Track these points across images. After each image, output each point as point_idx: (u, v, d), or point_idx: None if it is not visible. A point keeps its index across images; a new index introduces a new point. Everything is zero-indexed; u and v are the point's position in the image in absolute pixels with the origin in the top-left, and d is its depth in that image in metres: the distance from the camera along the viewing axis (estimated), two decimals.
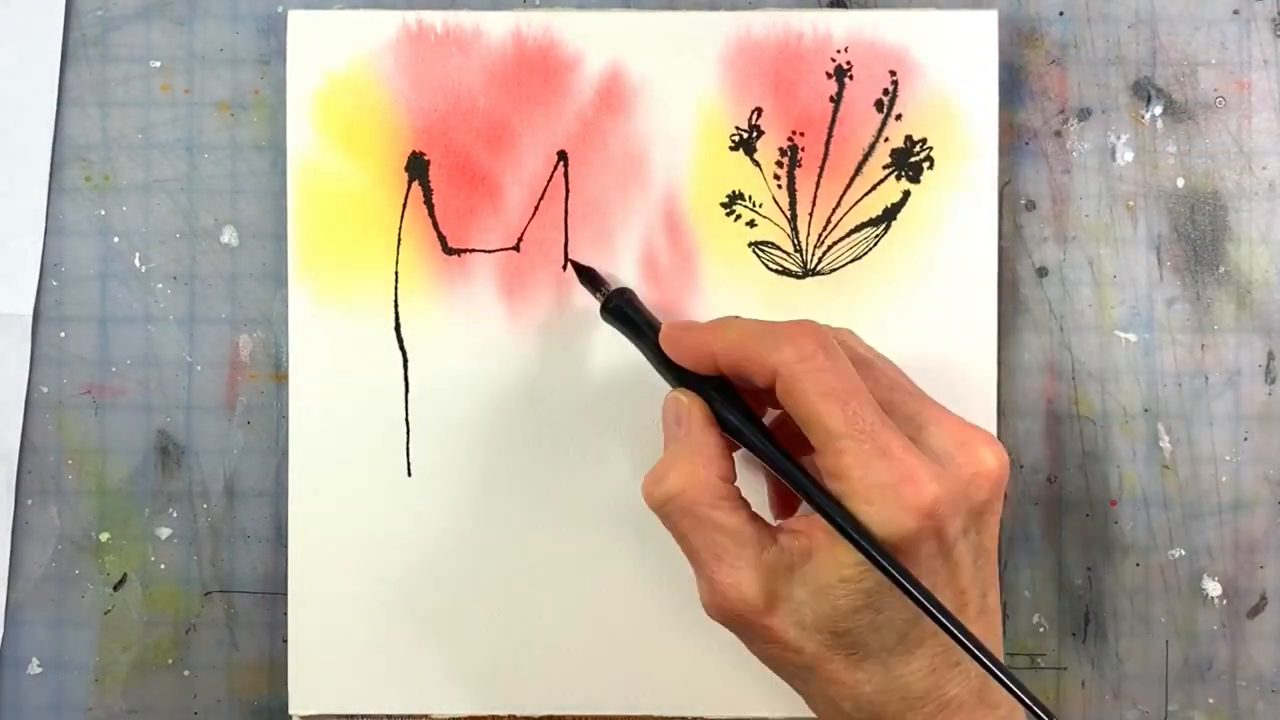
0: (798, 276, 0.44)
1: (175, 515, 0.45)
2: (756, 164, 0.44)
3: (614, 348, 0.44)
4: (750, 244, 0.44)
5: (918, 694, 0.36)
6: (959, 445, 0.36)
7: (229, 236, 0.45)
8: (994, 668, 0.33)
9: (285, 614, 0.45)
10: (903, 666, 0.36)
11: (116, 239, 0.45)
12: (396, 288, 0.44)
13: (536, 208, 0.44)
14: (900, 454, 0.34)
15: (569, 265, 0.44)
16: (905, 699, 0.36)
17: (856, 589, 0.35)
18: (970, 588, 0.36)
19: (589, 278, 0.43)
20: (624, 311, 0.41)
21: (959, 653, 0.35)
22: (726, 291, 0.44)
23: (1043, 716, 0.33)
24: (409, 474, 0.44)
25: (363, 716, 0.44)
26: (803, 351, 0.35)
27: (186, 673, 0.45)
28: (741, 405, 0.38)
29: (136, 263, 0.45)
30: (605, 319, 0.42)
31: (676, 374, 0.39)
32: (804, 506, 0.39)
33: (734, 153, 0.44)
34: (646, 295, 0.44)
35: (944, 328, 0.44)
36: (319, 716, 0.44)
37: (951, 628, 0.33)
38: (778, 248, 0.44)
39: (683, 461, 0.37)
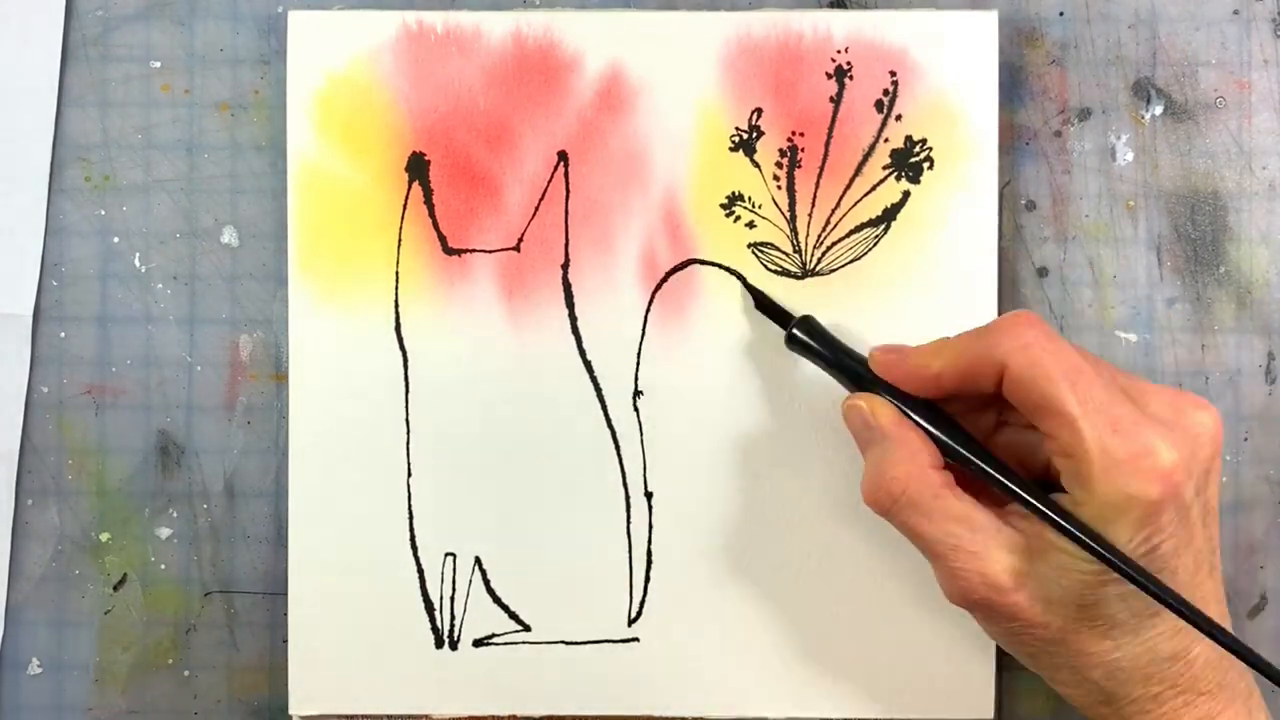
0: (797, 277, 0.44)
1: (175, 515, 0.45)
2: (756, 164, 0.44)
3: (615, 347, 0.44)
4: (750, 245, 0.44)
5: (1166, 655, 0.37)
6: (1176, 411, 0.36)
7: (229, 236, 0.45)
8: (1226, 642, 0.34)
9: (285, 614, 0.45)
10: (1150, 630, 0.36)
11: (116, 239, 0.45)
12: (397, 288, 0.44)
13: (537, 208, 0.44)
14: (1134, 427, 0.35)
15: (751, 294, 0.44)
16: (1154, 660, 0.37)
17: (1100, 564, 0.35)
18: (1204, 547, 0.37)
19: (769, 307, 0.43)
20: (816, 337, 0.41)
21: (1200, 609, 0.36)
22: (726, 292, 0.44)
23: (1273, 678, 0.34)
24: (409, 474, 0.44)
25: (363, 716, 0.44)
26: (1026, 339, 0.36)
27: (186, 673, 0.45)
28: (953, 421, 0.38)
29: (136, 263, 0.45)
30: (791, 348, 0.42)
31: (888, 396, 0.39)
32: None
33: (734, 153, 0.44)
34: (646, 295, 0.44)
35: (944, 328, 0.44)
36: (319, 716, 0.44)
37: (1184, 610, 0.34)
38: (777, 248, 0.44)
39: (894, 460, 0.38)
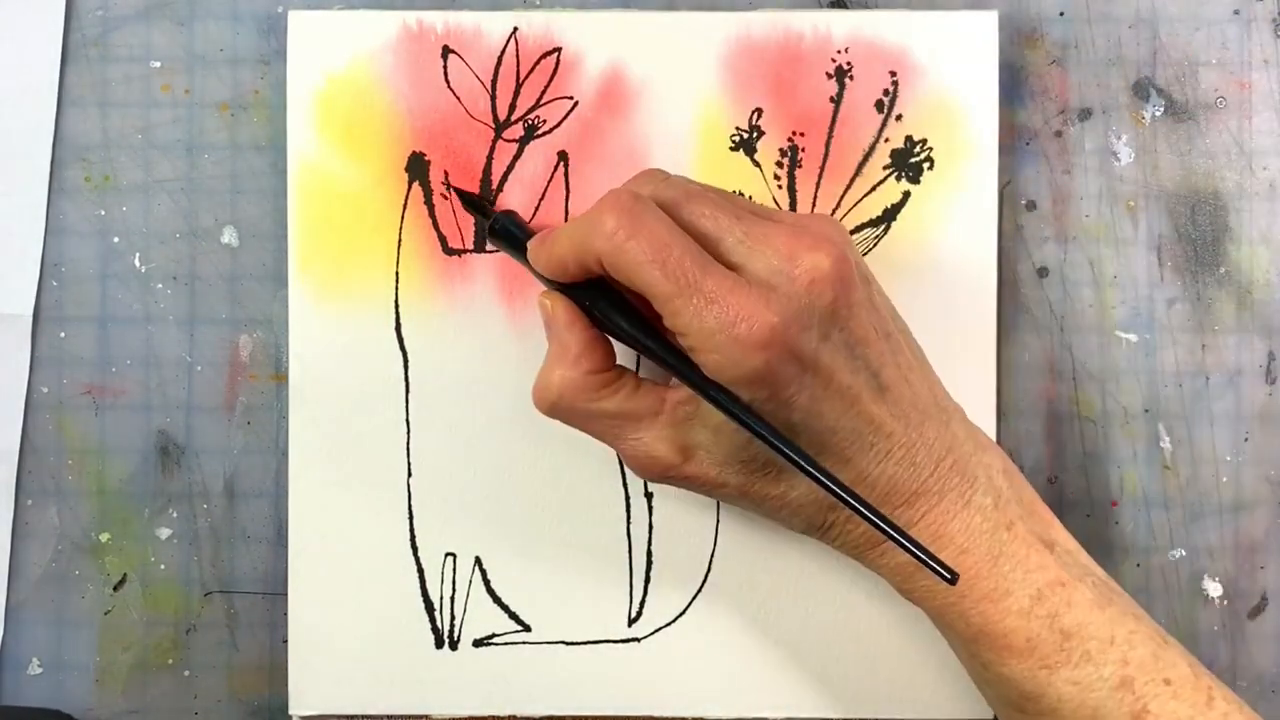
0: None
1: (175, 515, 0.45)
2: (757, 164, 0.44)
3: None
4: None
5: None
6: (788, 259, 0.36)
7: (229, 237, 0.45)
8: (850, 498, 0.35)
9: (285, 614, 0.45)
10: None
11: (116, 239, 0.45)
12: (397, 288, 0.44)
13: (537, 208, 0.44)
14: (728, 295, 0.35)
15: (450, 189, 0.44)
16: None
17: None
18: (855, 379, 0.37)
19: (473, 203, 0.44)
20: (509, 231, 0.42)
21: (868, 435, 0.37)
22: None
23: (916, 555, 0.35)
24: (409, 474, 0.44)
25: (363, 716, 0.44)
26: (607, 230, 0.36)
27: (186, 673, 0.45)
28: (612, 298, 0.39)
29: (136, 263, 0.45)
30: (492, 241, 0.43)
31: (556, 285, 0.40)
32: None
33: (734, 153, 0.44)
34: None
35: (944, 328, 0.44)
36: (319, 716, 0.44)
37: (814, 471, 0.36)
38: None
39: (554, 367, 0.39)
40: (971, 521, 0.38)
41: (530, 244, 0.40)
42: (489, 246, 0.44)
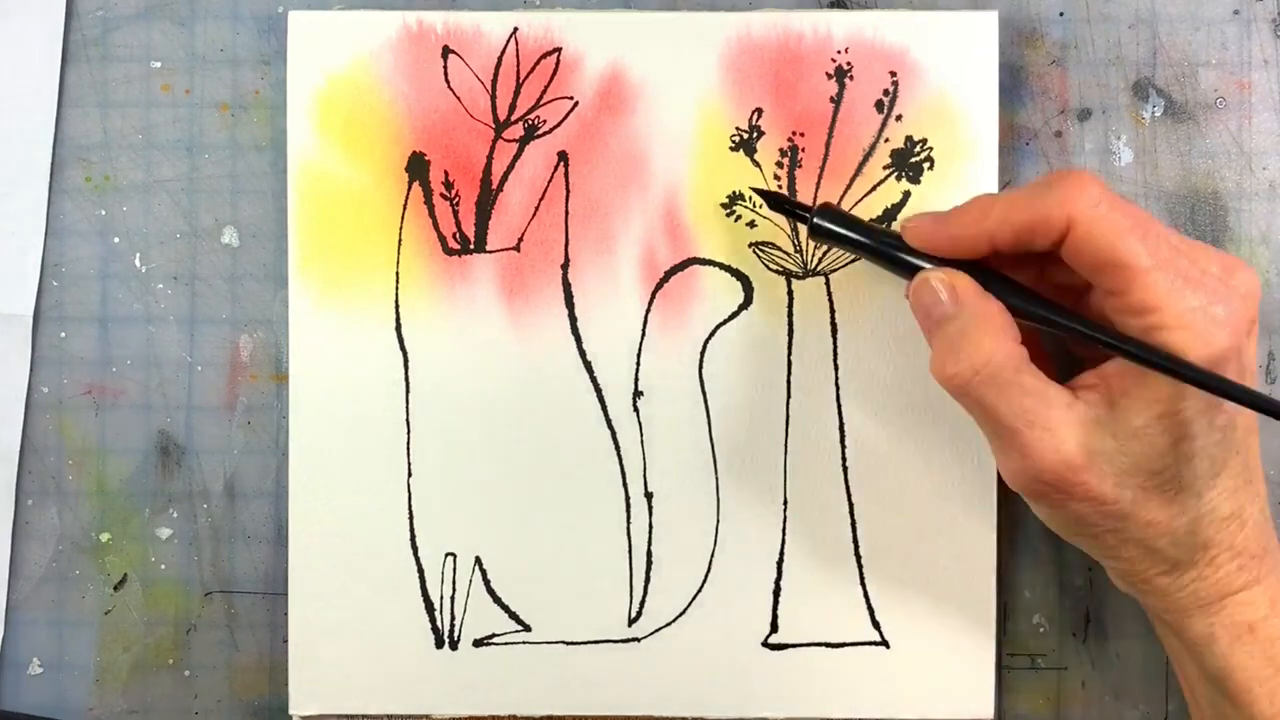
0: (798, 277, 0.44)
1: (175, 515, 0.45)
2: (757, 164, 0.44)
3: (615, 347, 0.44)
4: (750, 244, 0.44)
5: (1225, 515, 0.37)
6: (1223, 269, 0.36)
7: (229, 237, 0.45)
8: None
9: (285, 614, 0.45)
10: (1211, 491, 0.37)
11: (117, 239, 0.45)
12: (397, 288, 0.44)
13: (537, 208, 0.44)
14: (1202, 277, 0.35)
15: (763, 197, 0.43)
16: (1214, 521, 0.37)
17: (1173, 422, 0.36)
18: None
19: (781, 203, 0.42)
20: (841, 221, 0.40)
21: (1251, 471, 0.38)
22: (726, 291, 0.44)
23: None
24: (409, 474, 0.44)
25: (363, 716, 0.44)
26: (1093, 195, 0.36)
27: (187, 673, 0.45)
28: (1010, 278, 0.38)
29: (137, 263, 0.45)
30: (816, 239, 0.41)
31: (915, 268, 0.39)
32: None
33: (734, 153, 0.44)
34: (646, 295, 0.44)
35: None
36: (319, 716, 0.44)
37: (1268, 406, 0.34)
38: (778, 248, 0.44)
39: (975, 333, 0.37)
40: None
41: (914, 220, 0.39)
42: (489, 246, 0.44)
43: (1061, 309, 0.38)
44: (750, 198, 0.44)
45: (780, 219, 0.44)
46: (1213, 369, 0.35)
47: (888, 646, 0.44)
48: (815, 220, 0.40)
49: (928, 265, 0.39)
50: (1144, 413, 0.36)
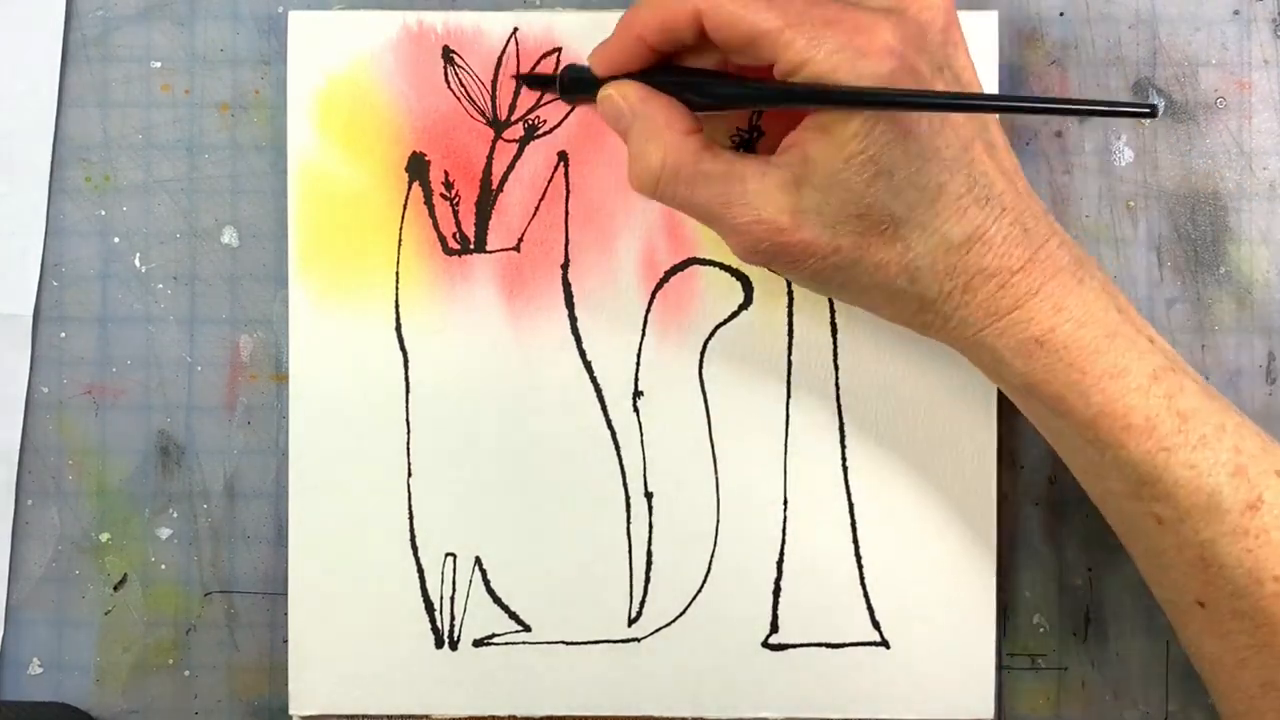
0: None
1: (175, 515, 0.45)
2: None
3: (615, 347, 0.44)
4: None
5: (959, 240, 0.36)
6: (896, 2, 0.36)
7: (229, 237, 0.45)
8: (1030, 103, 0.35)
9: (285, 614, 0.45)
10: (934, 220, 0.36)
11: (117, 239, 0.45)
12: (397, 288, 0.44)
13: (537, 208, 0.44)
14: (841, 14, 0.35)
15: (517, 78, 0.44)
16: (950, 249, 0.36)
17: (865, 159, 0.35)
18: (967, 123, 0.36)
19: (535, 80, 0.43)
20: (576, 78, 0.40)
21: (984, 187, 0.36)
22: (727, 291, 0.44)
23: (1132, 110, 0.34)
24: (409, 474, 0.44)
25: (363, 716, 0.44)
26: None
27: (186, 673, 0.45)
28: (686, 69, 0.38)
29: (137, 263, 0.45)
30: (566, 99, 0.41)
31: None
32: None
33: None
34: (646, 295, 0.44)
35: None
36: (319, 716, 0.44)
37: (965, 102, 0.34)
38: None
39: (647, 139, 0.37)
40: (1086, 297, 0.37)
41: (596, 47, 0.39)
42: (489, 246, 0.44)
43: (729, 81, 0.37)
44: None
45: None
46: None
47: (888, 646, 0.44)
48: (563, 78, 0.40)
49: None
50: (834, 157, 0.35)
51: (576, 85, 0.40)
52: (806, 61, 0.35)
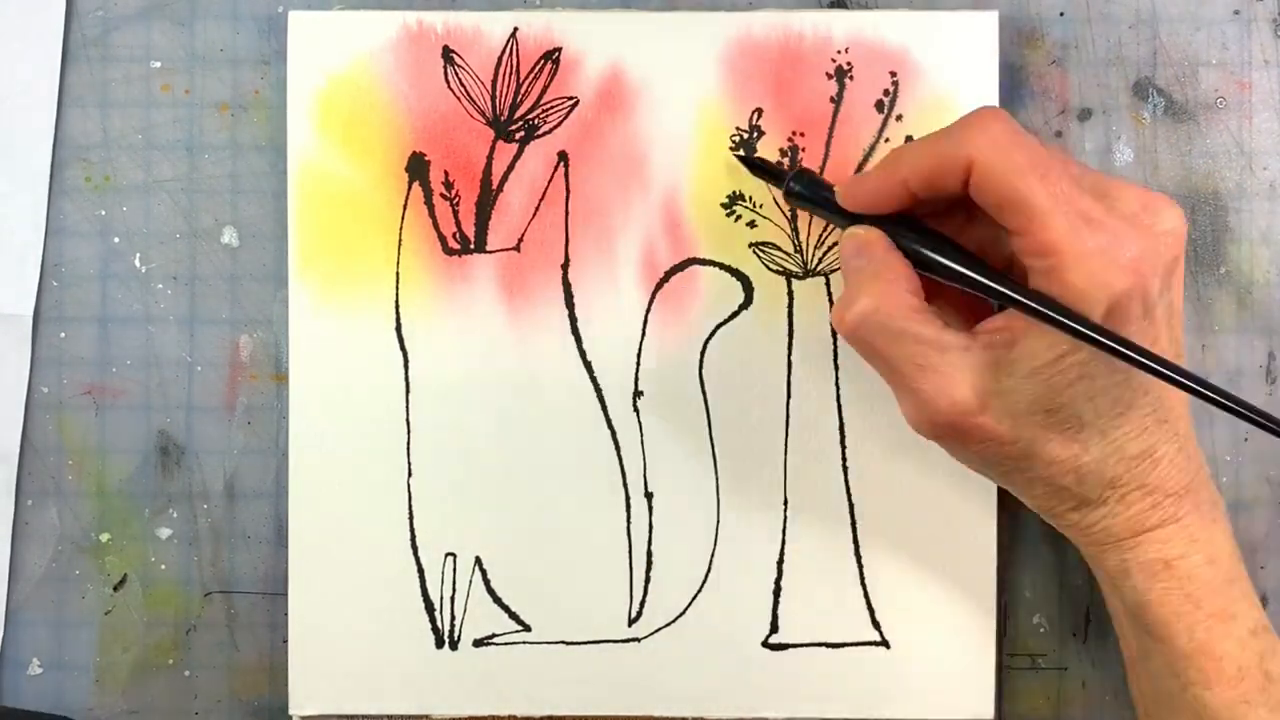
0: (799, 277, 0.44)
1: (175, 515, 0.45)
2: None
3: (615, 347, 0.44)
4: (751, 244, 0.44)
5: (1133, 454, 0.37)
6: (1143, 208, 0.37)
7: (229, 237, 0.45)
8: (1225, 400, 0.35)
9: (285, 614, 0.45)
10: (1116, 430, 0.37)
11: (117, 239, 0.45)
12: (397, 288, 0.44)
13: (537, 208, 0.44)
14: (1103, 218, 0.35)
15: (742, 162, 0.43)
16: (1122, 459, 0.37)
17: (1071, 363, 0.36)
18: (1169, 350, 0.37)
19: (763, 167, 0.43)
20: (808, 187, 0.41)
21: (1166, 410, 0.37)
22: (726, 291, 0.44)
23: (1269, 425, 0.35)
24: (409, 474, 0.44)
25: (363, 716, 0.44)
26: (993, 133, 0.36)
27: (187, 673, 0.45)
28: (928, 229, 0.38)
29: (137, 263, 0.45)
30: (790, 201, 0.42)
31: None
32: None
33: (734, 153, 0.44)
34: (646, 295, 0.44)
35: None
36: (319, 716, 0.44)
37: (1181, 379, 0.34)
38: (778, 248, 0.44)
39: (870, 283, 0.37)
40: (1218, 537, 0.38)
41: (847, 182, 0.39)
42: (489, 246, 0.44)
43: (965, 260, 0.37)
44: (749, 197, 0.44)
45: (782, 220, 0.44)
46: (1112, 310, 0.35)
47: (888, 646, 0.44)
48: (791, 185, 0.41)
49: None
50: (1044, 354, 0.36)
51: (802, 198, 0.41)
52: (1059, 250, 0.35)
